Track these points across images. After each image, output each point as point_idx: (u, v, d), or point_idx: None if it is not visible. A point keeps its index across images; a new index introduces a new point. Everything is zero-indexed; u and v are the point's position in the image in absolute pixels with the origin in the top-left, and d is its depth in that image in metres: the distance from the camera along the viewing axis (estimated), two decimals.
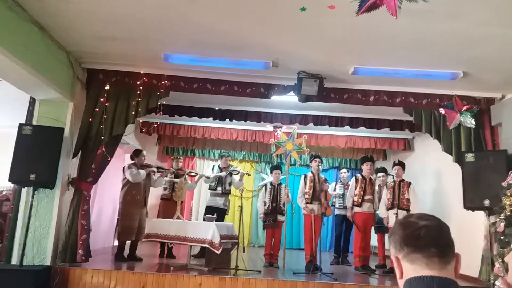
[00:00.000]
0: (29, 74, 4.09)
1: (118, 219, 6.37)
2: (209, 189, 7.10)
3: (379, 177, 7.06)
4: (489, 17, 3.43)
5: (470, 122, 5.04)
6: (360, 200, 6.58)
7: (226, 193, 7.01)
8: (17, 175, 4.48)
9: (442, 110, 5.20)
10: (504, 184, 4.34)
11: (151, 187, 6.45)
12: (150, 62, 5.01)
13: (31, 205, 4.55)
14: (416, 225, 1.18)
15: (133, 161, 6.17)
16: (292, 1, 3.34)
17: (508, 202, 4.21)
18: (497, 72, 4.63)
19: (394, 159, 7.53)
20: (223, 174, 6.98)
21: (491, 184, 4.71)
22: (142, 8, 3.67)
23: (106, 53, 4.84)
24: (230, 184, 7.05)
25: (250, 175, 7.76)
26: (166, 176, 6.80)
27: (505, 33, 3.69)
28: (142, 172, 6.00)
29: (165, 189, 6.88)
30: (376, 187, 6.93)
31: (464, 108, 5.07)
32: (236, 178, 7.07)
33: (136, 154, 6.22)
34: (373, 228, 6.83)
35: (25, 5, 3.74)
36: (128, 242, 6.00)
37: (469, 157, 5.02)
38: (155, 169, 6.45)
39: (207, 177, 7.09)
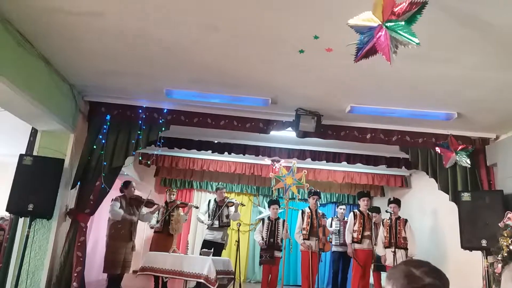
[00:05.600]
0: (33, 106, 4.17)
1: None
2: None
3: (374, 216, 7.05)
4: (482, 61, 3.55)
5: (466, 161, 5.10)
6: (360, 237, 6.55)
7: (223, 227, 6.97)
8: (15, 205, 4.48)
9: (438, 149, 5.28)
10: (501, 224, 4.37)
11: (139, 221, 6.39)
12: (152, 96, 5.11)
13: (27, 236, 4.53)
14: (421, 281, 1.17)
15: (122, 193, 6.16)
16: (291, 43, 3.48)
17: (505, 243, 4.22)
18: (491, 114, 4.73)
19: (391, 195, 7.55)
20: (208, 223, 6.91)
21: (488, 224, 4.72)
22: (145, 46, 3.79)
23: (109, 87, 4.95)
24: (227, 216, 7.03)
25: (244, 205, 7.76)
26: (157, 212, 6.74)
27: (498, 76, 3.81)
28: (121, 212, 5.95)
29: (157, 221, 6.84)
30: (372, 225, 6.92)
31: (460, 147, 5.14)
32: (232, 210, 7.05)
33: (126, 186, 6.22)
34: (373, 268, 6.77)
35: (33, 41, 3.87)
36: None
37: (466, 196, 5.05)
38: (134, 218, 6.26)
39: (196, 207, 7.06)
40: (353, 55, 2.66)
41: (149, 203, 6.51)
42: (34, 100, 4.12)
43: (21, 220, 4.80)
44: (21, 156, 4.64)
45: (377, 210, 7.09)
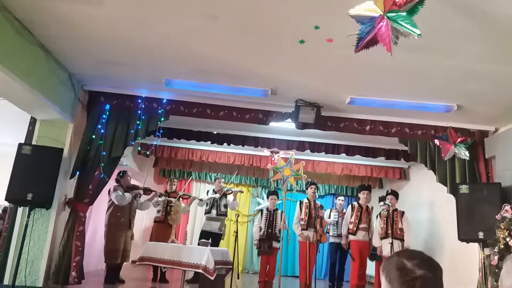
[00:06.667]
0: (32, 95, 4.16)
1: None
2: (205, 213, 7.10)
3: (381, 205, 7.03)
4: (483, 53, 3.54)
5: (464, 154, 5.11)
6: (355, 228, 6.59)
7: (221, 216, 6.98)
8: (14, 194, 4.48)
9: (436, 141, 5.28)
10: (498, 217, 4.38)
11: (137, 210, 6.40)
12: (151, 86, 5.10)
13: (26, 225, 4.53)
14: (412, 274, 1.19)
15: (118, 183, 6.17)
16: (291, 33, 3.46)
17: (502, 235, 4.24)
18: (491, 106, 4.73)
19: (390, 187, 7.57)
20: (216, 196, 6.96)
21: (485, 216, 4.75)
22: (146, 36, 3.77)
23: (108, 77, 4.93)
24: (225, 206, 7.04)
25: (242, 192, 7.83)
26: (158, 200, 6.75)
27: (498, 69, 3.80)
28: (128, 196, 5.96)
29: (158, 211, 6.84)
30: (379, 217, 6.94)
31: (459, 140, 5.14)
32: (230, 198, 7.07)
33: (122, 175, 6.22)
34: (368, 257, 6.81)
35: (32, 29, 3.84)
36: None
37: (464, 188, 5.07)
38: (141, 191, 6.34)
39: (200, 200, 7.08)
40: (353, 45, 2.65)
41: (147, 190, 6.52)
42: (33, 89, 4.10)
43: (20, 209, 4.81)
44: (20, 145, 4.64)
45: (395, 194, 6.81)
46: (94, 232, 6.80)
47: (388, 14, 2.43)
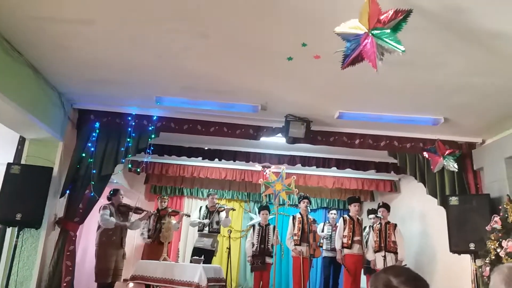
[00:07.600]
0: (21, 114, 4.14)
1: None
2: (197, 230, 7.05)
3: (370, 218, 7.08)
4: (468, 67, 3.62)
5: (453, 166, 5.15)
6: (350, 242, 6.57)
7: (213, 233, 6.94)
8: (3, 215, 4.43)
9: (425, 154, 5.33)
10: (488, 228, 4.42)
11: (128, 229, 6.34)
12: (142, 103, 5.10)
13: (15, 246, 4.47)
14: None
15: (110, 201, 6.11)
16: (279, 51, 3.51)
17: (492, 246, 4.27)
18: (477, 118, 4.80)
19: (381, 200, 7.60)
20: (206, 221, 6.91)
21: (475, 227, 4.79)
22: (136, 54, 3.80)
23: (98, 95, 4.93)
24: (217, 223, 7.01)
25: (235, 209, 7.78)
26: (147, 220, 6.68)
27: (483, 82, 3.88)
28: (112, 220, 5.84)
29: (149, 230, 6.79)
30: (367, 229, 6.95)
31: (447, 152, 5.19)
32: (223, 215, 7.04)
33: (114, 193, 6.16)
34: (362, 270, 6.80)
35: (21, 49, 3.85)
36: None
37: (453, 200, 5.11)
38: (127, 224, 6.23)
39: (187, 215, 7.03)
40: (340, 62, 2.70)
41: (138, 210, 6.46)
42: (22, 109, 4.09)
43: (9, 229, 4.74)
44: (8, 165, 4.59)
45: (375, 212, 7.00)
46: (84, 251, 6.71)
47: (372, 32, 2.48)
